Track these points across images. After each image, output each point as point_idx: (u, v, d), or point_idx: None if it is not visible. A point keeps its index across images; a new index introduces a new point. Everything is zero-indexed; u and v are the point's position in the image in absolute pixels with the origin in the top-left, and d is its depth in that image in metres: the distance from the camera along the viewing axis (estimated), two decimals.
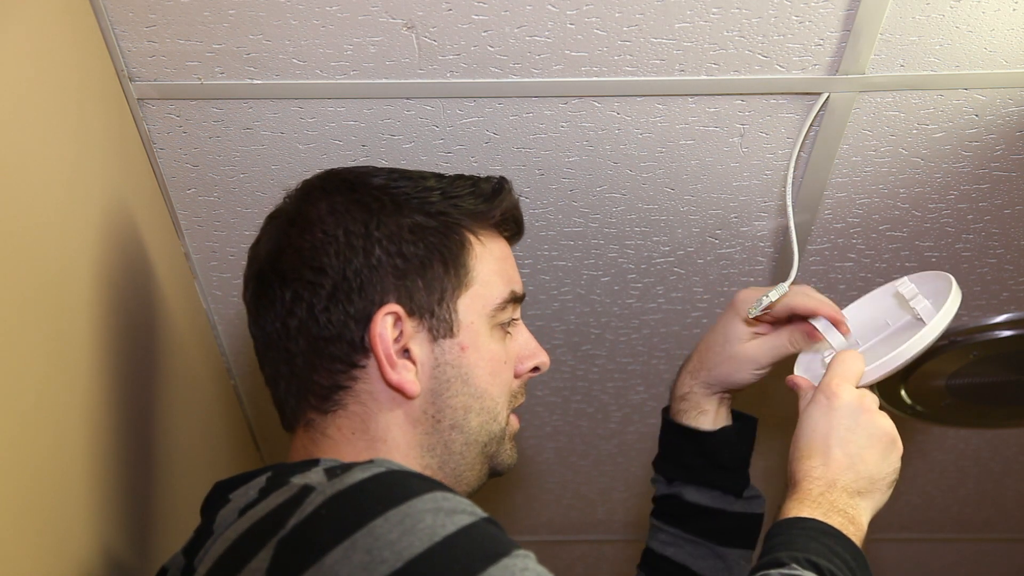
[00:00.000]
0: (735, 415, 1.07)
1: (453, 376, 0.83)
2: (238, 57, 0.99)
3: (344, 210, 0.82)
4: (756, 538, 1.06)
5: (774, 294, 0.97)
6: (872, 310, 1.04)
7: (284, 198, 0.88)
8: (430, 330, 0.82)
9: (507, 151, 1.11)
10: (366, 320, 0.80)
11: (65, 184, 0.87)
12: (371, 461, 0.70)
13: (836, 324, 0.97)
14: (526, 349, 0.90)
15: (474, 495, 0.83)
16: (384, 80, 1.02)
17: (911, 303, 0.96)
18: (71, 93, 0.91)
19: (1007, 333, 1.38)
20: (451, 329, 0.83)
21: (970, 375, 1.46)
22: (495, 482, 0.92)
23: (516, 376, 0.89)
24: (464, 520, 0.65)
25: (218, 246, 1.21)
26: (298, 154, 1.10)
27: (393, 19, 0.96)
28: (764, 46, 0.99)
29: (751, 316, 0.98)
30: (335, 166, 0.91)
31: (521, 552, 0.65)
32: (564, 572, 2.05)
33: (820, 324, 0.97)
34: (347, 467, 0.70)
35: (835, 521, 0.82)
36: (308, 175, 0.89)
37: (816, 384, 0.93)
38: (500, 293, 0.86)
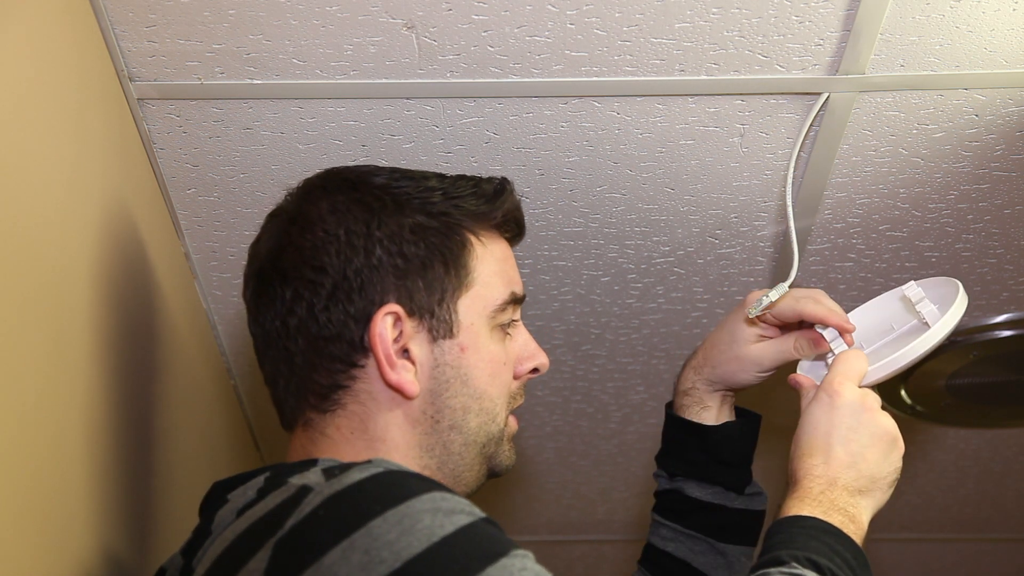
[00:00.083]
0: (739, 412, 1.07)
1: (452, 377, 0.83)
2: (238, 57, 0.99)
3: (345, 209, 0.82)
4: (757, 535, 1.06)
5: (774, 294, 0.97)
6: (878, 313, 1.04)
7: (285, 196, 0.88)
8: (430, 331, 0.82)
9: (507, 151, 1.11)
10: (366, 320, 0.80)
11: (65, 184, 0.87)
12: (369, 461, 0.70)
13: (842, 334, 0.97)
14: (526, 350, 0.90)
15: (473, 495, 0.83)
16: (384, 80, 1.02)
17: (917, 307, 0.96)
18: (71, 93, 0.91)
19: (1007, 333, 1.38)
20: (451, 330, 0.83)
21: (970, 375, 1.46)
22: (495, 482, 0.92)
23: (515, 377, 0.89)
24: (462, 520, 0.65)
25: (218, 246, 1.21)
26: (298, 154, 1.10)
27: (393, 19, 0.96)
28: (764, 46, 0.99)
29: (750, 316, 0.98)
30: (335, 166, 0.91)
31: (520, 552, 0.65)
32: (564, 572, 2.05)
33: (828, 334, 0.97)
34: (345, 467, 0.70)
35: (836, 520, 0.82)
36: (308, 175, 0.89)
37: (818, 384, 0.93)
38: (500, 294, 0.86)
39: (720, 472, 1.04)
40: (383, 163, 1.01)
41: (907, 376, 1.45)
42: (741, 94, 1.04)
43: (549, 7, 0.95)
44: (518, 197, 0.91)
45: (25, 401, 0.76)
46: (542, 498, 1.82)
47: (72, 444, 0.84)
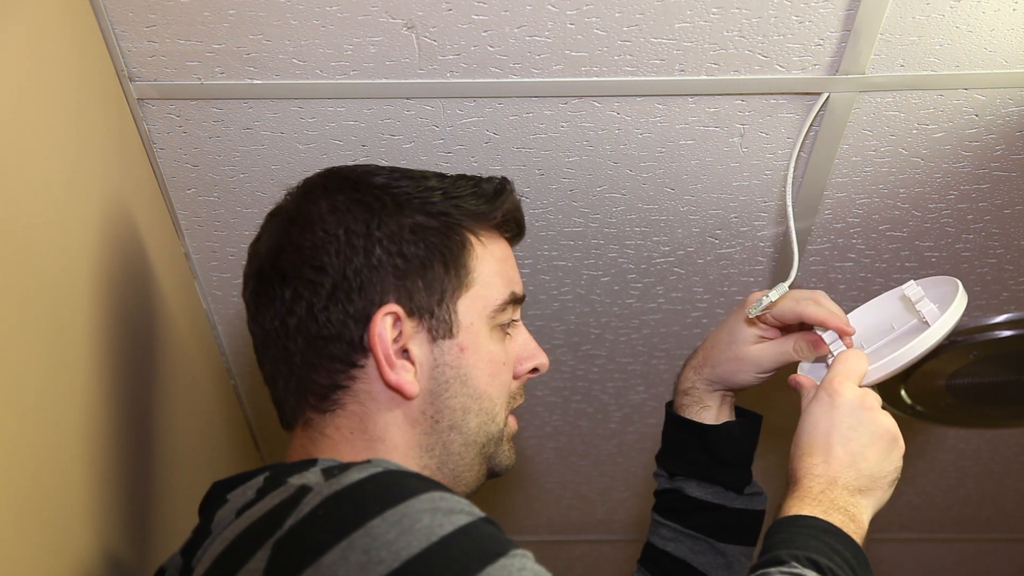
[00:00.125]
0: (739, 412, 1.07)
1: (452, 377, 0.83)
2: (238, 57, 0.99)
3: (345, 209, 0.82)
4: (757, 535, 1.06)
5: (774, 294, 0.97)
6: (878, 313, 1.04)
7: (285, 196, 0.88)
8: (429, 331, 0.82)
9: (507, 151, 1.11)
10: (365, 320, 0.80)
11: (65, 184, 0.87)
12: (368, 461, 0.70)
13: (842, 336, 0.97)
14: (525, 350, 0.90)
15: (473, 495, 0.83)
16: (384, 80, 1.02)
17: (916, 306, 0.96)
18: (71, 93, 0.91)
19: (1007, 333, 1.38)
20: (450, 330, 0.83)
21: (970, 375, 1.46)
22: (495, 482, 0.92)
23: (515, 377, 0.89)
24: (462, 520, 0.65)
25: (218, 246, 1.21)
26: (298, 154, 1.10)
27: (393, 19, 0.96)
28: (764, 46, 0.99)
29: (750, 316, 0.98)
30: (335, 165, 0.91)
31: (519, 552, 0.65)
32: (564, 572, 2.05)
33: (828, 336, 0.97)
34: (344, 467, 0.70)
35: (836, 519, 0.82)
36: (308, 175, 0.89)
37: (819, 384, 0.93)
38: (500, 294, 0.86)
39: (720, 472, 1.04)
40: (383, 163, 1.01)
41: (907, 376, 1.45)
42: (741, 94, 1.04)
43: (549, 7, 0.95)
44: (518, 197, 0.91)
45: (25, 401, 0.76)
46: (542, 498, 1.82)
47: (72, 444, 0.84)
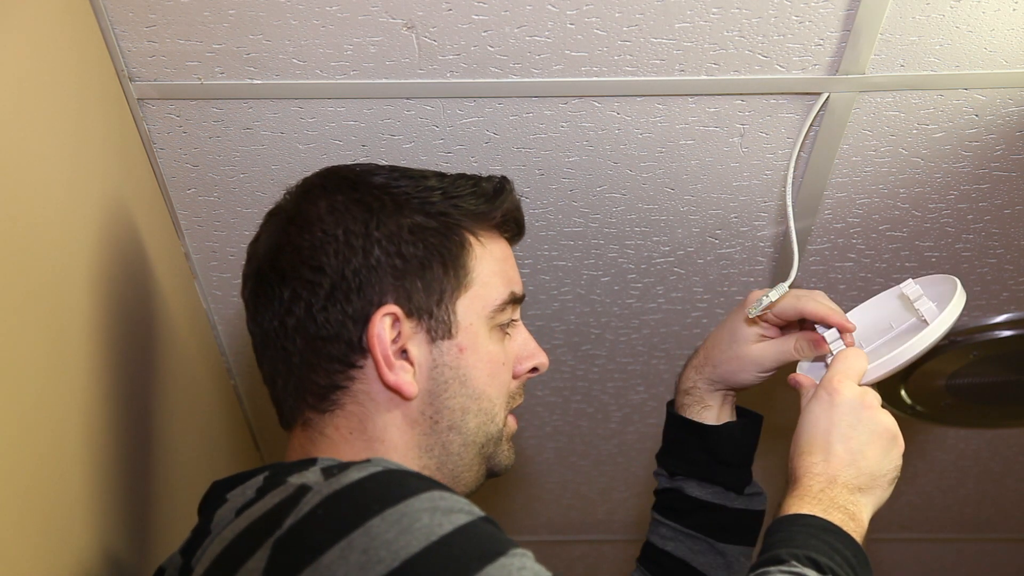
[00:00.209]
0: (740, 412, 1.07)
1: (451, 377, 0.83)
2: (238, 57, 0.99)
3: (344, 209, 0.82)
4: (757, 535, 1.06)
5: (774, 294, 0.97)
6: (876, 312, 1.04)
7: (284, 195, 0.88)
8: (428, 331, 0.82)
9: (507, 151, 1.11)
10: (364, 320, 0.80)
11: (65, 184, 0.87)
12: (368, 460, 0.70)
13: (843, 334, 0.97)
14: (525, 350, 0.90)
15: (472, 495, 0.83)
16: (384, 80, 1.02)
17: (915, 304, 0.96)
18: (71, 93, 0.91)
19: (1007, 333, 1.38)
20: (449, 330, 0.83)
21: (970, 375, 1.46)
22: (495, 482, 0.92)
23: (515, 377, 0.89)
24: (461, 519, 0.65)
25: (218, 246, 1.21)
26: (298, 154, 1.10)
27: (393, 19, 0.96)
28: (764, 46, 0.99)
29: (750, 316, 0.98)
30: (334, 165, 0.91)
31: (519, 551, 0.65)
32: (564, 572, 2.05)
33: (829, 335, 0.97)
34: (344, 466, 0.70)
35: (835, 518, 0.82)
36: (308, 175, 0.89)
37: (818, 383, 0.93)
38: (499, 294, 0.86)
39: (720, 472, 1.04)
40: (383, 163, 1.01)
41: (907, 376, 1.45)
42: (741, 94, 1.04)
43: (549, 7, 0.95)
44: (518, 197, 0.91)
45: (25, 401, 0.76)
46: (542, 498, 1.82)
47: (72, 444, 0.84)
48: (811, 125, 1.06)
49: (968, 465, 1.72)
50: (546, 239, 1.22)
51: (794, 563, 0.76)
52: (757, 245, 1.24)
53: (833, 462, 0.86)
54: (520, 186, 1.12)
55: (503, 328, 0.87)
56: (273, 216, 0.87)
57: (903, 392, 1.49)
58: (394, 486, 0.66)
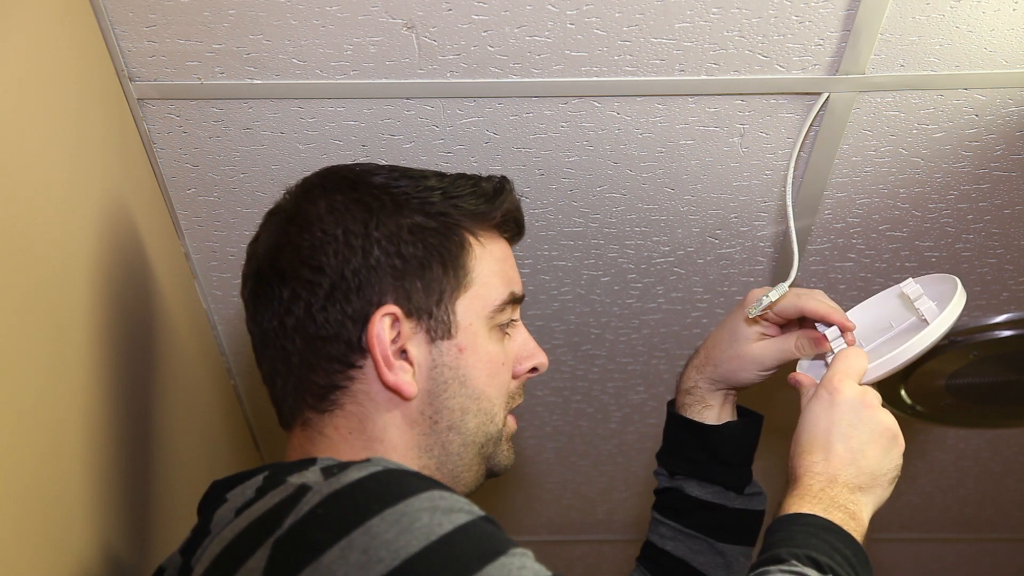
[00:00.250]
0: (741, 411, 1.07)
1: (450, 378, 0.82)
2: (238, 57, 0.99)
3: (344, 209, 0.82)
4: (756, 535, 1.06)
5: (774, 294, 0.97)
6: (876, 312, 1.04)
7: (284, 195, 0.88)
8: (428, 331, 0.82)
9: (507, 151, 1.11)
10: (364, 320, 0.80)
11: (65, 184, 0.87)
12: (368, 460, 0.70)
13: (843, 332, 0.97)
14: (524, 350, 0.90)
15: (472, 495, 0.83)
16: (384, 80, 1.02)
17: (915, 304, 0.96)
18: (71, 93, 0.91)
19: (1007, 333, 1.38)
20: (449, 331, 0.82)
21: (970, 375, 1.46)
22: (495, 482, 0.92)
23: (514, 377, 0.89)
24: (461, 519, 0.65)
25: (218, 246, 1.21)
26: (298, 154, 1.10)
27: (393, 19, 0.96)
28: (764, 46, 0.99)
29: (751, 316, 0.98)
30: (334, 164, 0.91)
31: (519, 550, 0.65)
32: (564, 572, 2.05)
33: (829, 332, 0.97)
34: (344, 466, 0.70)
35: (836, 517, 0.82)
36: (308, 175, 0.89)
37: (818, 382, 0.93)
38: (499, 295, 0.86)
39: (720, 472, 1.04)
40: (383, 163, 1.01)
41: (907, 376, 1.45)
42: (741, 94, 1.04)
43: (549, 7, 0.95)
44: (517, 197, 0.91)
45: (25, 401, 0.76)
46: (542, 498, 1.82)
47: (71, 444, 0.84)
48: (811, 125, 1.06)
49: (968, 465, 1.72)
50: (546, 239, 1.22)
51: (794, 562, 0.76)
52: (757, 245, 1.24)
53: (833, 461, 0.86)
54: (520, 186, 1.12)
55: (503, 328, 0.87)
56: (273, 216, 0.87)
57: (903, 392, 1.49)
58: (394, 485, 0.66)
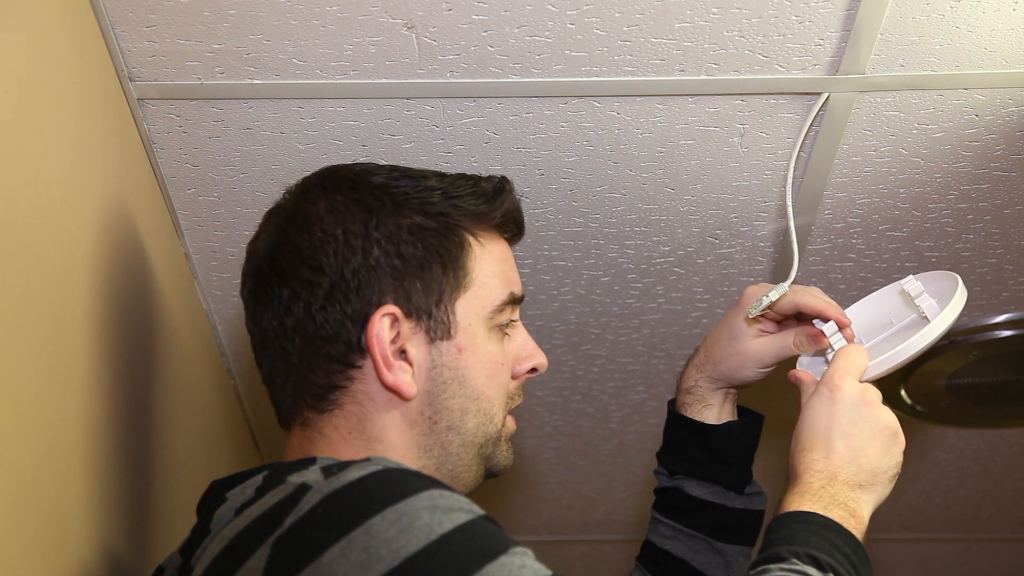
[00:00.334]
0: (741, 411, 1.07)
1: (450, 378, 0.82)
2: (238, 57, 0.99)
3: (343, 209, 0.82)
4: (756, 535, 1.06)
5: (774, 294, 0.97)
6: (877, 309, 1.04)
7: (284, 194, 0.88)
8: (427, 332, 0.82)
9: (507, 151, 1.11)
10: (363, 320, 0.80)
11: (65, 184, 0.87)
12: (368, 459, 0.70)
13: (841, 328, 0.97)
14: (524, 350, 0.90)
15: (472, 495, 0.83)
16: (384, 80, 1.02)
17: (916, 301, 0.96)
18: (71, 93, 0.91)
19: (1007, 333, 1.38)
20: (448, 331, 0.82)
21: (970, 375, 1.46)
22: (495, 482, 0.92)
23: (514, 377, 0.89)
24: (461, 518, 0.65)
25: (218, 246, 1.21)
26: (298, 154, 1.10)
27: (393, 19, 0.96)
28: (764, 46, 0.99)
29: (751, 316, 0.98)
30: (334, 164, 0.91)
31: (519, 549, 0.65)
32: (564, 572, 2.05)
33: (827, 328, 0.97)
34: (344, 465, 0.70)
35: (836, 515, 0.82)
36: (308, 175, 0.89)
37: (818, 380, 0.93)
38: (499, 295, 0.86)
39: (720, 471, 1.04)
40: (383, 163, 1.01)
41: (907, 376, 1.45)
42: (741, 94, 1.04)
43: (549, 7, 0.95)
44: (517, 197, 0.91)
45: (25, 401, 0.76)
46: (542, 498, 1.82)
47: (71, 443, 0.84)
48: (811, 125, 1.06)
49: (968, 465, 1.72)
50: (546, 239, 1.22)
51: (794, 560, 0.76)
52: (757, 245, 1.24)
53: (834, 459, 0.86)
54: (520, 186, 1.12)
55: (502, 328, 0.87)
56: (272, 215, 0.87)
57: (903, 392, 1.49)
58: (394, 485, 0.66)
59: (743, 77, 1.02)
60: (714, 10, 0.95)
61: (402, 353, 0.81)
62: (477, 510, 0.67)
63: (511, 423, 0.90)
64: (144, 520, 1.00)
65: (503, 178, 0.89)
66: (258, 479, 0.73)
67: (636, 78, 1.02)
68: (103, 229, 0.94)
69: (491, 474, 0.88)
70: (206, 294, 1.28)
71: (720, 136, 1.09)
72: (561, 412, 1.56)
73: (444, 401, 0.82)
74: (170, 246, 1.16)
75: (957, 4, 0.95)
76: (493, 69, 1.01)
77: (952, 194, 1.16)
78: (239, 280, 0.89)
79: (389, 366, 0.80)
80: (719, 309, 1.34)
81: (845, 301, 1.05)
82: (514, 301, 0.88)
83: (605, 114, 1.06)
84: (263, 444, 1.56)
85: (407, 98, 1.04)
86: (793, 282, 0.99)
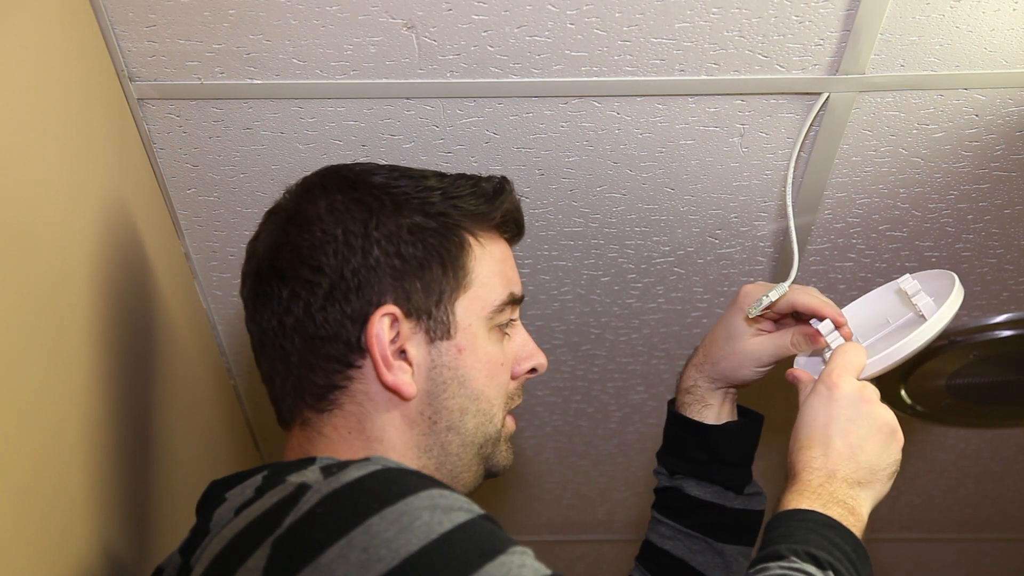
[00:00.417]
0: (741, 411, 1.07)
1: (449, 378, 0.82)
2: (238, 57, 0.99)
3: (343, 209, 0.82)
4: (755, 535, 1.06)
5: (774, 294, 0.97)
6: (874, 308, 1.04)
7: (284, 194, 0.88)
8: (427, 332, 0.82)
9: (507, 151, 1.11)
10: (363, 320, 0.80)
11: (65, 184, 0.87)
12: (367, 459, 0.70)
13: (838, 327, 0.97)
14: (524, 350, 0.90)
15: (472, 495, 0.83)
16: (384, 80, 1.02)
17: (913, 299, 0.96)
18: (71, 93, 0.91)
19: (1007, 333, 1.38)
20: (448, 331, 0.82)
21: (970, 375, 1.46)
22: (495, 482, 0.92)
23: (513, 377, 0.89)
24: (461, 517, 0.65)
25: (218, 246, 1.21)
26: (298, 154, 1.10)
27: (393, 19, 0.96)
28: (764, 46, 0.99)
29: (751, 316, 0.98)
30: (334, 164, 0.91)
31: (518, 549, 0.65)
32: (564, 572, 2.05)
33: (824, 327, 0.97)
34: (343, 465, 0.70)
35: (835, 512, 0.82)
36: (308, 174, 0.89)
37: (816, 378, 0.93)
38: (498, 295, 0.86)
39: (720, 471, 1.04)
40: (383, 163, 1.01)
41: (907, 376, 1.45)
42: (741, 94, 1.04)
43: (549, 7, 0.95)
44: (517, 197, 0.91)
45: (24, 400, 0.76)
46: (542, 498, 1.82)
47: (71, 443, 0.84)
48: (811, 125, 1.06)
49: (968, 465, 1.72)
50: (546, 239, 1.23)
51: (793, 559, 0.76)
52: (757, 245, 1.24)
53: (832, 456, 0.86)
54: (520, 186, 1.12)
55: (502, 329, 0.87)
56: (272, 215, 0.87)
57: (903, 392, 1.49)
58: (394, 484, 0.66)
59: (743, 77, 1.02)
60: (714, 10, 0.95)
61: (402, 353, 0.81)
62: (477, 509, 0.67)
63: (511, 423, 0.90)
64: (144, 520, 1.00)
65: (503, 178, 0.89)
66: (257, 479, 0.73)
67: (636, 78, 1.02)
68: (103, 229, 0.94)
69: (491, 474, 0.88)
70: (206, 294, 1.28)
71: (720, 136, 1.09)
72: (561, 412, 1.56)
73: (444, 401, 0.82)
74: (170, 246, 1.16)
75: (957, 4, 0.95)
76: (493, 69, 1.01)
77: (952, 194, 1.16)
78: (239, 280, 0.89)
79: (389, 366, 0.80)
80: (719, 309, 1.34)
81: (845, 301, 1.05)
82: (514, 301, 0.88)
83: (605, 114, 1.06)
84: (263, 444, 1.56)
85: (407, 98, 1.04)
86: (793, 282, 0.99)
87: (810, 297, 0.97)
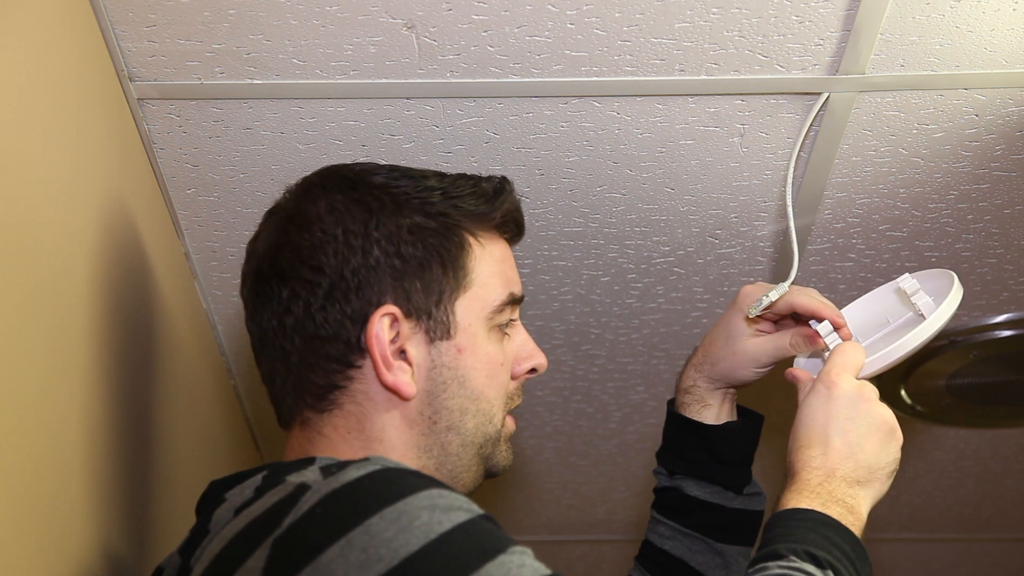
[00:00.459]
0: (741, 411, 1.07)
1: (449, 378, 0.82)
2: (238, 57, 0.99)
3: (343, 209, 0.82)
4: (755, 535, 1.06)
5: (774, 294, 0.97)
6: (873, 307, 1.04)
7: (284, 194, 0.88)
8: (427, 332, 0.82)
9: (507, 151, 1.11)
10: (363, 320, 0.80)
11: (65, 184, 0.87)
12: (367, 459, 0.70)
13: (837, 328, 0.97)
14: (523, 350, 0.90)
15: (472, 495, 0.83)
16: (384, 80, 1.02)
17: (912, 298, 0.96)
18: (71, 93, 0.91)
19: (1007, 333, 1.38)
20: (448, 331, 0.82)
21: (970, 375, 1.46)
22: (495, 482, 0.92)
23: (513, 378, 0.89)
24: (460, 517, 0.65)
25: (218, 246, 1.21)
26: (298, 154, 1.10)
27: (393, 19, 0.96)
28: (764, 46, 0.99)
29: (751, 316, 0.98)
30: (334, 164, 0.91)
31: (518, 548, 0.65)
32: (564, 572, 2.05)
33: (823, 328, 0.97)
34: (343, 465, 0.70)
35: (834, 511, 0.82)
36: (308, 174, 0.89)
37: (815, 377, 0.93)
38: (498, 295, 0.86)
39: (719, 471, 1.04)
40: (383, 163, 1.01)
41: (907, 376, 1.45)
42: (741, 94, 1.04)
43: (549, 7, 0.95)
44: (517, 197, 0.91)
45: (24, 400, 0.76)
46: (542, 498, 1.82)
47: (71, 443, 0.84)
48: (811, 125, 1.06)
49: (968, 465, 1.72)
50: (546, 239, 1.23)
51: (793, 558, 0.76)
52: (757, 245, 1.24)
53: (831, 455, 0.86)
54: (520, 186, 1.12)
55: (502, 329, 0.87)
56: (272, 215, 0.87)
57: (903, 392, 1.49)
58: (393, 484, 0.66)
59: (743, 77, 1.02)
60: (714, 10, 0.95)
61: (402, 353, 0.81)
62: (476, 509, 0.67)
63: (510, 423, 0.90)
64: (144, 520, 1.00)
65: (503, 178, 0.89)
66: (257, 479, 0.73)
67: (636, 78, 1.02)
68: (103, 229, 0.94)
69: (491, 474, 0.88)
70: (206, 294, 1.28)
71: (720, 136, 1.09)
72: (561, 412, 1.56)
73: (443, 401, 0.82)
74: (170, 246, 1.16)
75: (957, 4, 0.95)
76: (493, 69, 1.01)
77: (952, 194, 1.16)
78: (239, 280, 0.89)
79: (388, 366, 0.80)
80: (719, 309, 1.34)
81: (845, 301, 1.06)
82: (514, 301, 0.88)
83: (605, 114, 1.06)
84: (263, 444, 1.56)
85: (407, 98, 1.04)
86: (793, 282, 0.99)
87: (809, 298, 0.97)
